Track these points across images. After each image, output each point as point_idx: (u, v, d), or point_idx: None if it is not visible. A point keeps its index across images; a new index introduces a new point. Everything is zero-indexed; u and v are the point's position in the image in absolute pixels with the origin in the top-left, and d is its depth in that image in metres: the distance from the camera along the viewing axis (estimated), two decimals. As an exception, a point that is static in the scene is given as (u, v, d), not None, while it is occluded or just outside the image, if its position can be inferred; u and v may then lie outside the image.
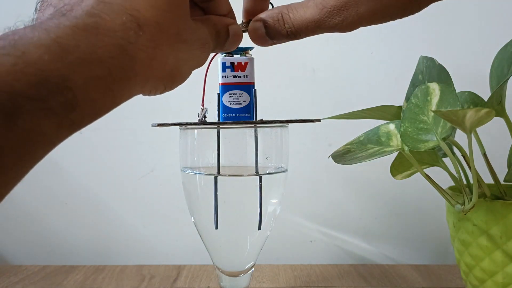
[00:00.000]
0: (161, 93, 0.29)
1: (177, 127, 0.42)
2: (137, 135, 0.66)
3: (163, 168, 0.67)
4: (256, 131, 0.41)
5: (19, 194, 0.68)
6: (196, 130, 0.42)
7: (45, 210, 0.68)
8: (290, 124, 0.42)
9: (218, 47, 0.33)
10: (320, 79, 0.66)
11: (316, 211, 0.67)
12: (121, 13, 0.24)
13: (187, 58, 0.29)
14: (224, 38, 0.33)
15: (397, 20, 0.71)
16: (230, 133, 0.42)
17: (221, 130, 0.41)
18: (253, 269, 0.45)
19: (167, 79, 0.28)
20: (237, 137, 0.42)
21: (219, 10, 0.33)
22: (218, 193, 0.41)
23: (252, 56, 0.40)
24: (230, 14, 0.34)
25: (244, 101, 0.40)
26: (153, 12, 0.25)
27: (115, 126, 0.66)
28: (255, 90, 0.41)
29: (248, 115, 0.40)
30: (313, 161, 0.66)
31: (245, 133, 0.41)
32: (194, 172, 0.42)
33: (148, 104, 0.66)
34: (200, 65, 0.31)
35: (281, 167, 0.43)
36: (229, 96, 0.40)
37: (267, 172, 0.43)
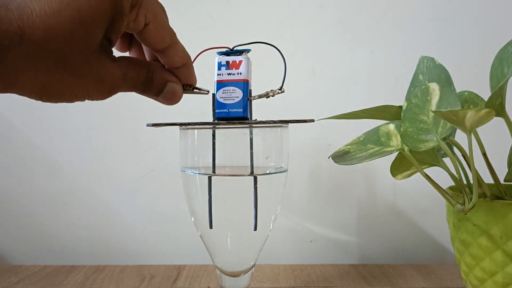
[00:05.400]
0: (37, 100, 0.30)
1: (177, 127, 0.42)
2: (137, 135, 0.66)
3: (163, 168, 0.67)
4: (251, 132, 0.41)
5: (19, 194, 0.68)
6: (196, 130, 0.42)
7: (45, 210, 0.68)
8: (289, 124, 0.43)
9: (144, 92, 0.35)
10: (320, 79, 0.66)
11: (316, 211, 0.67)
12: (11, 21, 0.26)
13: (71, 85, 0.30)
14: (156, 88, 0.35)
15: (397, 20, 0.71)
16: (230, 133, 0.42)
17: (222, 130, 0.41)
18: (253, 269, 0.45)
19: (39, 92, 0.29)
20: (237, 137, 0.42)
21: (170, 63, 0.36)
22: (217, 193, 0.41)
23: (247, 56, 0.41)
24: (186, 66, 0.36)
25: (237, 97, 0.40)
26: (42, 35, 0.27)
27: (115, 126, 0.66)
28: (251, 90, 0.41)
29: (240, 110, 0.40)
30: (313, 161, 0.66)
31: (245, 133, 0.41)
32: (194, 172, 0.42)
33: (148, 104, 0.66)
34: (95, 97, 0.32)
35: (281, 167, 0.43)
36: (222, 92, 0.40)
37: (267, 172, 0.43)
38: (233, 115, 0.40)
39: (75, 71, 0.29)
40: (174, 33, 0.35)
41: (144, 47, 0.37)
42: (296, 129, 0.62)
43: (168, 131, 0.63)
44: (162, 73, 0.35)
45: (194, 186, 0.42)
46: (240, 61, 0.40)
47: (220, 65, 0.40)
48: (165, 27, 0.34)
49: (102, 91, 0.32)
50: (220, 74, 0.40)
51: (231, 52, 0.40)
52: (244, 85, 0.40)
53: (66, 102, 0.31)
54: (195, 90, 0.38)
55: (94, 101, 0.32)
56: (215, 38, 0.65)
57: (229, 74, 0.40)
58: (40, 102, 0.30)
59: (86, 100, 0.32)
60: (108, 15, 0.29)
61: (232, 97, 0.40)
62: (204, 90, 0.39)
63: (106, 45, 0.31)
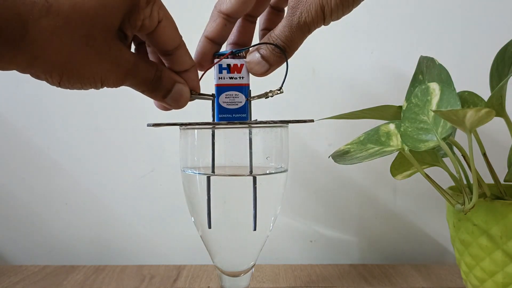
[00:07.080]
0: (56, 82, 0.31)
1: (177, 127, 0.42)
2: (137, 135, 0.66)
3: (163, 168, 0.67)
4: (251, 132, 0.41)
5: (19, 194, 0.68)
6: (196, 130, 0.42)
7: (45, 210, 0.68)
8: (289, 124, 0.43)
9: (153, 92, 0.36)
10: (320, 79, 0.66)
11: (316, 211, 0.67)
12: None
13: (91, 63, 0.31)
14: (164, 88, 0.36)
15: (397, 20, 0.71)
16: (231, 133, 0.42)
17: (222, 130, 0.41)
18: (253, 269, 0.45)
19: (60, 69, 0.30)
20: (238, 137, 0.42)
21: (178, 65, 0.37)
22: (217, 193, 0.41)
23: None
24: (192, 70, 0.37)
25: (240, 102, 0.40)
26: (68, 9, 0.29)
27: (115, 126, 0.66)
28: (250, 90, 0.41)
29: (244, 115, 0.40)
30: (313, 161, 0.66)
31: (245, 133, 0.41)
32: (194, 172, 0.42)
33: (148, 104, 0.66)
34: (109, 82, 0.33)
35: (281, 167, 0.43)
36: (225, 97, 0.40)
37: (267, 172, 0.43)
38: (237, 120, 0.40)
39: (96, 49, 0.31)
40: (181, 35, 0.36)
41: (149, 53, 0.38)
42: (296, 129, 0.62)
43: (168, 131, 0.63)
44: (170, 73, 0.36)
45: (194, 186, 0.43)
46: (242, 65, 0.40)
47: (221, 68, 0.40)
48: (175, 26, 0.35)
49: (117, 75, 0.33)
50: (221, 78, 0.40)
51: (230, 53, 0.40)
52: (246, 90, 0.40)
53: (83, 86, 0.32)
54: (199, 95, 0.38)
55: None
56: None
57: (231, 78, 0.40)
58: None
59: (97, 91, 0.32)
60: (126, 3, 0.31)
61: (235, 102, 0.40)
62: (208, 96, 0.39)
63: (122, 37, 0.32)
